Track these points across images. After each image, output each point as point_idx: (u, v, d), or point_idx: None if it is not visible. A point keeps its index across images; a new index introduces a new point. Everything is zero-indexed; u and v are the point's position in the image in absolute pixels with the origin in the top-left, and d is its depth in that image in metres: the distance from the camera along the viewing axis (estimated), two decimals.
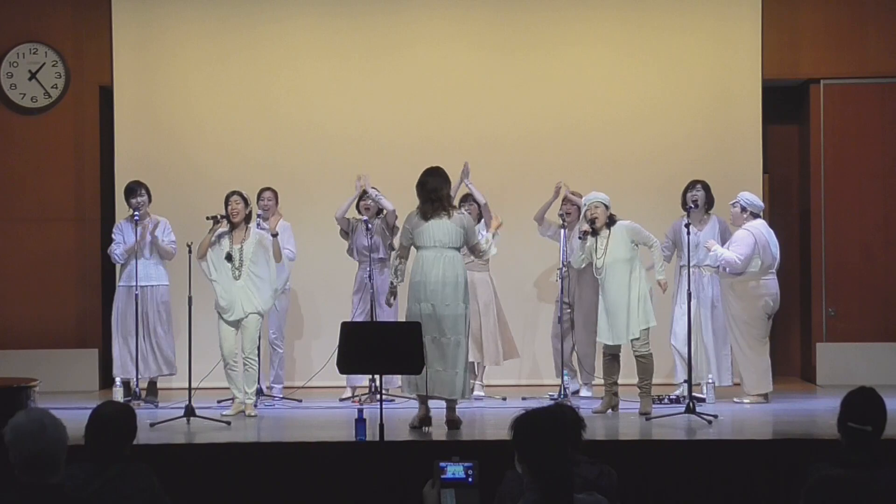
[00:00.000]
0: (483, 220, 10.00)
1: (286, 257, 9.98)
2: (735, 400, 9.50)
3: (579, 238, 9.29)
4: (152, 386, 9.97)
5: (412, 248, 8.32)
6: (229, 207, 9.02)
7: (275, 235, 9.29)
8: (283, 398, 9.95)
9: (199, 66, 11.21)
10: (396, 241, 9.39)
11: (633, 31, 11.13)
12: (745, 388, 9.55)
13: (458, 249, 8.26)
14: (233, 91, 11.17)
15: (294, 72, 11.20)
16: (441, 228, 8.18)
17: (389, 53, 11.19)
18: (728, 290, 9.58)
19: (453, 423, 8.11)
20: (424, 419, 8.10)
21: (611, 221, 9.07)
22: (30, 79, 11.23)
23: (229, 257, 8.94)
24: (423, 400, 8.13)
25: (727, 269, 9.45)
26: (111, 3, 11.15)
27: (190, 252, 8.81)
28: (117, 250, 10.00)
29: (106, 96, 11.29)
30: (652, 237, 9.10)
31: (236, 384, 8.96)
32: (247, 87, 11.18)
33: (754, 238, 9.42)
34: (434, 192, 8.21)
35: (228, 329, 8.96)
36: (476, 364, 9.97)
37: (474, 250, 8.50)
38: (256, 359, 9.09)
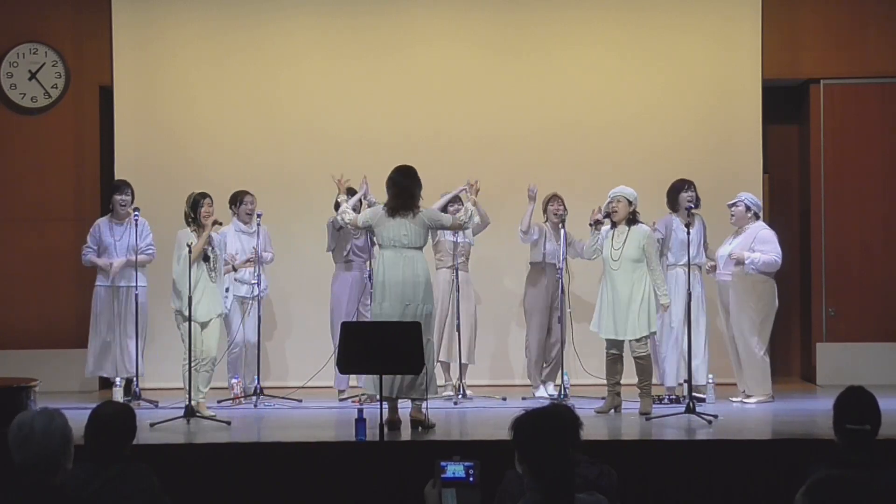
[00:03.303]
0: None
1: (265, 260, 10.01)
2: (743, 401, 9.48)
3: (590, 225, 9.27)
4: (128, 385, 9.94)
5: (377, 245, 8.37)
6: (202, 210, 8.94)
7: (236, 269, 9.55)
8: (283, 398, 9.94)
9: (199, 66, 11.21)
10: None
11: (633, 32, 11.13)
12: (750, 388, 9.52)
13: (420, 249, 8.23)
14: (233, 91, 11.17)
15: (294, 72, 11.19)
16: (402, 228, 8.16)
17: (390, 53, 11.19)
18: (743, 290, 9.51)
19: (420, 422, 8.02)
20: (392, 422, 7.92)
21: (633, 219, 9.05)
22: (30, 79, 11.23)
23: (206, 258, 8.92)
24: (388, 401, 7.91)
25: (752, 271, 9.40)
26: (111, 3, 11.14)
27: (190, 252, 8.81)
28: (85, 256, 10.07)
29: (106, 96, 11.29)
30: (656, 261, 9.08)
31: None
32: (247, 88, 11.18)
33: (776, 237, 9.50)
34: (405, 190, 8.20)
35: (198, 328, 8.88)
36: (461, 364, 9.94)
37: (456, 227, 8.41)
38: (216, 359, 9.07)
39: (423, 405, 8.09)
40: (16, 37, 11.25)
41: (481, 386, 10.29)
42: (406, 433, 7.94)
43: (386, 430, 7.57)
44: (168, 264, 9.02)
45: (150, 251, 9.94)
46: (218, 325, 9.06)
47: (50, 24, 11.26)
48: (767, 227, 9.65)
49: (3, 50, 11.24)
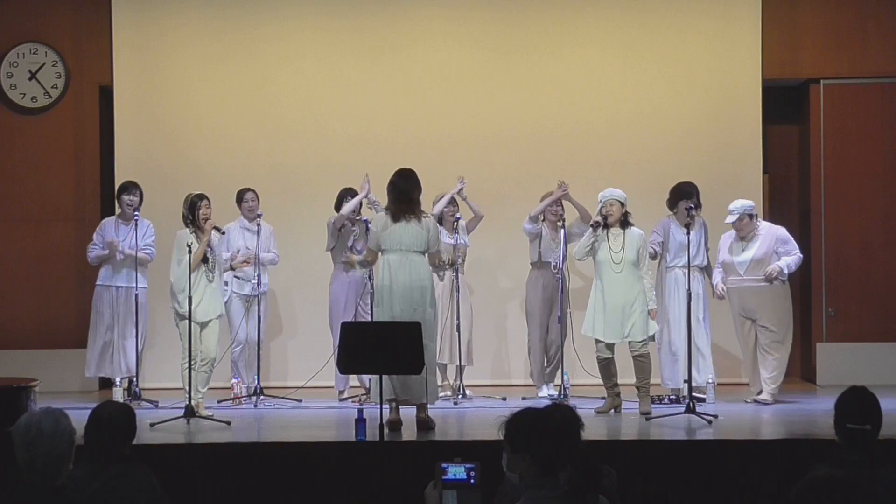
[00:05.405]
0: (466, 227, 10.04)
1: (270, 260, 10.01)
2: (746, 400, 9.47)
3: (590, 226, 9.24)
4: (130, 385, 9.94)
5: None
6: (199, 212, 8.98)
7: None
8: (283, 398, 9.93)
9: (199, 66, 11.21)
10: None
11: (634, 31, 11.13)
12: (768, 387, 9.43)
13: (424, 253, 8.21)
14: (233, 91, 11.17)
15: (294, 72, 11.20)
16: (408, 232, 8.13)
17: (389, 53, 11.19)
18: (772, 296, 9.42)
19: (425, 423, 8.04)
20: (393, 423, 7.94)
21: (625, 222, 9.04)
22: (30, 79, 11.23)
23: (205, 259, 8.93)
24: (390, 403, 8.00)
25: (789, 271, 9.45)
26: (111, 3, 11.14)
27: (190, 252, 8.81)
28: (91, 253, 10.05)
29: (106, 96, 11.29)
30: (647, 265, 9.10)
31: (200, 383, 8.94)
32: (247, 87, 11.18)
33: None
34: (404, 193, 8.17)
35: (197, 329, 8.90)
36: (458, 366, 9.94)
37: (432, 258, 8.35)
38: (215, 360, 9.10)
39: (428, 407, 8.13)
40: (16, 37, 11.25)
41: (481, 386, 10.29)
42: (407, 433, 7.93)
43: (387, 430, 7.57)
44: (167, 265, 9.02)
45: (150, 251, 9.93)
46: (217, 325, 9.07)
47: (50, 24, 11.26)
48: (777, 225, 9.61)
49: (3, 50, 11.24)
